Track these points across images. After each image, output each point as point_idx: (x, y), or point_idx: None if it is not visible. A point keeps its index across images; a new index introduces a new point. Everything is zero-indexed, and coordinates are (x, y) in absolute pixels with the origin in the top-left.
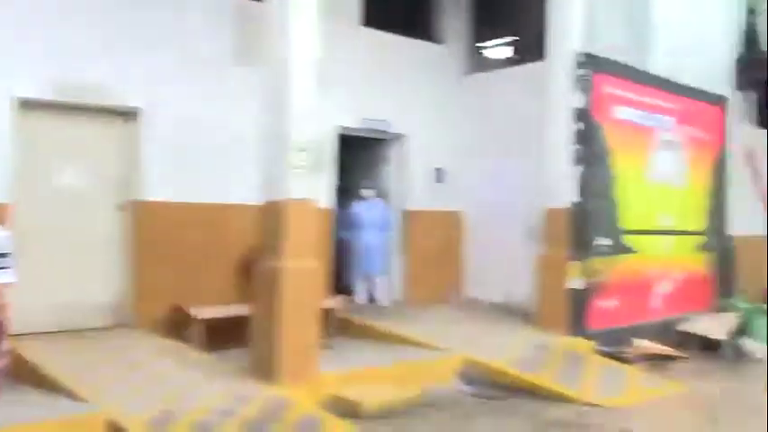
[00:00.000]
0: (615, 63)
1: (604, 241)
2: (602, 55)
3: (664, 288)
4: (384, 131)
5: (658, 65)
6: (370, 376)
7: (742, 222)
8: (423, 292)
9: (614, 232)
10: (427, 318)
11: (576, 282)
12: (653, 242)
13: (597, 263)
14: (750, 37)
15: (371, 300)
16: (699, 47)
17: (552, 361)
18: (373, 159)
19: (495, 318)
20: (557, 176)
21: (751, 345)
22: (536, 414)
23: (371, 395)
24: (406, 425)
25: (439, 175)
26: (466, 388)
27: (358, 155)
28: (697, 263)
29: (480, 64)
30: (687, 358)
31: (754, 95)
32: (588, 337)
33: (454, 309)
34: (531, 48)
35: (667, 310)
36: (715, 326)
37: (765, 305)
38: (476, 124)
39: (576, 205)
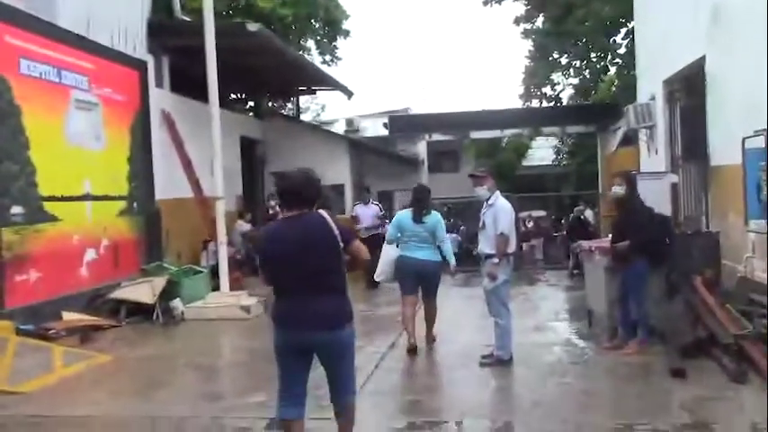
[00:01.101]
0: (21, 12)
1: (19, 209)
2: (5, 2)
3: (91, 256)
4: None
5: (70, 21)
6: None
7: (168, 186)
8: None
9: (31, 199)
10: None
11: None
12: (76, 209)
13: (11, 233)
14: (164, 2)
15: None
16: (112, 7)
17: None
18: None
19: None
20: None
21: (179, 305)
22: None
23: None
24: None
25: None
26: None
27: None
28: (122, 228)
29: None
30: (119, 326)
31: (167, 60)
32: (6, 316)
33: None
34: None
35: (97, 279)
36: (145, 290)
37: (193, 266)
38: None
39: None
